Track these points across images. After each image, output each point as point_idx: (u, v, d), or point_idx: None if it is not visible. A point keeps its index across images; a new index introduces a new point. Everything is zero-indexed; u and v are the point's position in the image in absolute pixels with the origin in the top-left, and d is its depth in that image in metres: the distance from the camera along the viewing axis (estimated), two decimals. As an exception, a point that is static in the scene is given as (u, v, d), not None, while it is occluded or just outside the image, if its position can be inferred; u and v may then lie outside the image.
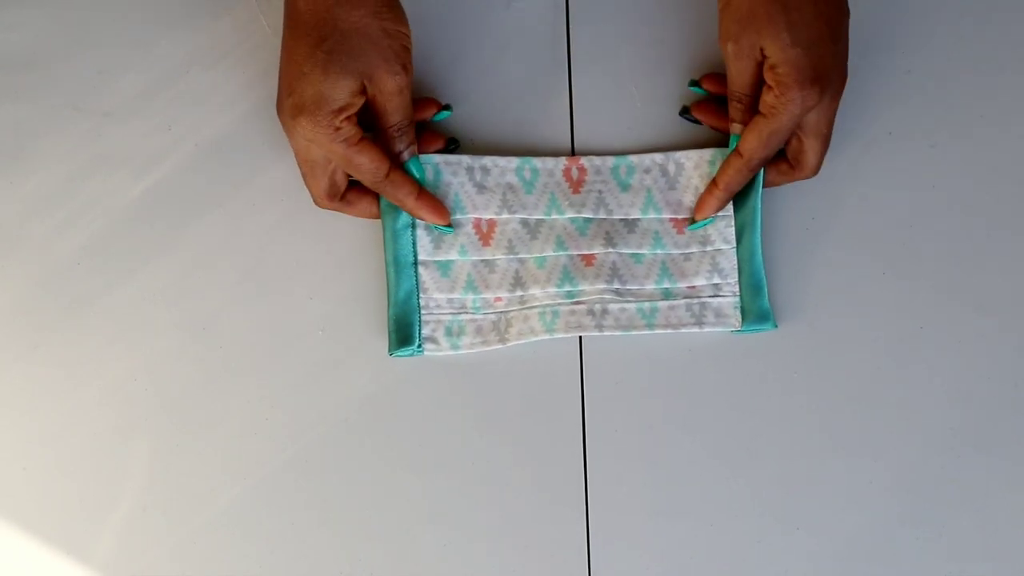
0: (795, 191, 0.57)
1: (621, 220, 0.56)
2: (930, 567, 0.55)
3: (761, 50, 0.50)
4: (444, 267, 0.56)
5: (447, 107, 0.57)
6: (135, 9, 0.59)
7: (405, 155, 0.54)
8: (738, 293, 0.56)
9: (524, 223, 0.56)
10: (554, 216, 0.56)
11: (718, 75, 0.56)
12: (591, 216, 0.56)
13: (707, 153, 0.56)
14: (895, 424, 0.56)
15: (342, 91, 0.49)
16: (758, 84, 0.52)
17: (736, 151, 0.53)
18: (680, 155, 0.56)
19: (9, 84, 0.58)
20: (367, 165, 0.52)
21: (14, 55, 0.58)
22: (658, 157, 0.56)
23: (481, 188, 0.56)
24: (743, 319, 0.56)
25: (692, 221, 0.56)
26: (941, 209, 0.57)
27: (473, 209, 0.56)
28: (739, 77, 0.52)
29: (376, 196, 0.55)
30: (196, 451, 0.56)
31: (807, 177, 0.55)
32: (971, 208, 0.57)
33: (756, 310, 0.56)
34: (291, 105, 0.50)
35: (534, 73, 0.58)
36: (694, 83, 0.57)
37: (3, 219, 0.58)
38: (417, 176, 0.54)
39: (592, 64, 0.58)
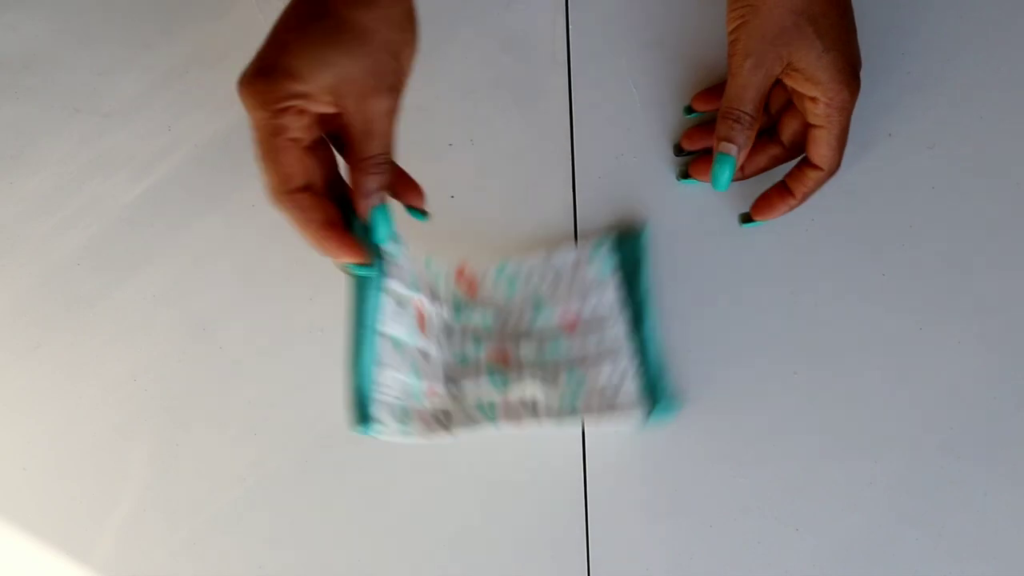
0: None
1: (517, 324, 0.56)
2: (930, 567, 0.55)
3: (789, 64, 0.50)
4: (397, 344, 0.50)
5: (425, 213, 0.51)
6: (135, 9, 0.59)
7: (374, 199, 0.44)
8: (642, 380, 0.54)
9: (443, 320, 0.54)
10: (462, 319, 0.55)
11: (710, 91, 0.56)
12: (491, 321, 0.55)
13: (584, 249, 0.55)
14: (895, 424, 0.56)
15: (313, 78, 0.42)
16: (763, 105, 0.52)
17: (814, 166, 0.53)
18: (557, 258, 0.56)
19: (9, 84, 0.58)
20: (273, 168, 0.43)
21: (14, 55, 0.59)
22: (537, 261, 0.56)
23: (416, 275, 0.51)
24: (652, 405, 0.53)
25: (747, 219, 0.55)
26: (941, 209, 0.57)
27: (416, 290, 0.51)
28: (748, 93, 0.51)
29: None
30: (196, 451, 0.56)
31: (824, 179, 0.54)
32: (971, 208, 0.57)
33: (659, 396, 0.53)
34: (252, 67, 0.42)
35: (534, 73, 0.59)
36: (689, 110, 0.57)
37: (3, 219, 0.58)
38: (384, 232, 0.45)
39: (592, 64, 0.58)
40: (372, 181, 0.44)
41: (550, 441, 0.57)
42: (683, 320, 0.57)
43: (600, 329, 0.55)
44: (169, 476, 0.56)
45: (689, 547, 0.56)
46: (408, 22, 0.44)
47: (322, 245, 0.45)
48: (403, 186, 0.50)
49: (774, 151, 0.55)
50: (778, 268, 0.57)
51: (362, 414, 0.47)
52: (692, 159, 0.57)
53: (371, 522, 0.56)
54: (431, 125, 0.58)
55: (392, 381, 0.49)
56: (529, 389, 0.53)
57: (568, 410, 0.53)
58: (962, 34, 0.58)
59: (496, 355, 0.55)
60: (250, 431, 0.57)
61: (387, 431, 0.49)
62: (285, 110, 0.42)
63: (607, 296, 0.55)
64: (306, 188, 0.44)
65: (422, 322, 0.51)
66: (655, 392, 0.54)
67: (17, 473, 0.56)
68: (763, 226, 0.57)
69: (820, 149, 0.52)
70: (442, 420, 0.52)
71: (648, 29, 0.59)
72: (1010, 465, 0.56)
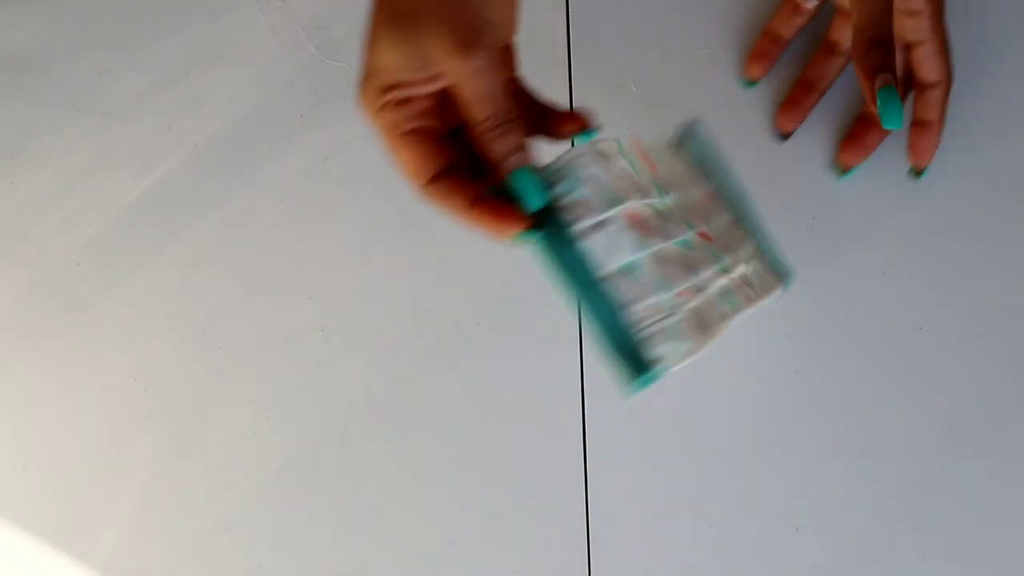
0: (795, 192, 0.57)
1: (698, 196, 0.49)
2: (930, 567, 0.55)
3: None
4: (630, 270, 0.45)
5: (593, 129, 0.44)
6: (135, 9, 0.59)
7: (511, 161, 0.41)
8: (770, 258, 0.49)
9: (651, 207, 0.47)
10: (667, 199, 0.48)
11: (758, 55, 0.54)
12: (687, 195, 0.49)
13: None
14: (895, 424, 0.56)
15: (389, 61, 0.40)
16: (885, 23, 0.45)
17: (927, 84, 0.52)
18: None
19: (9, 84, 0.58)
20: (403, 165, 0.42)
21: (14, 55, 0.59)
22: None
23: (618, 176, 0.45)
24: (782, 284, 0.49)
25: (916, 172, 0.54)
26: (940, 209, 0.57)
27: (617, 203, 0.45)
28: (883, 15, 0.43)
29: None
30: (196, 451, 0.56)
31: (947, 91, 0.52)
32: (971, 208, 0.57)
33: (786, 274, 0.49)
34: (360, 74, 0.41)
35: (534, 73, 0.58)
36: (749, 83, 0.55)
37: (3, 219, 0.58)
38: (531, 195, 0.41)
39: (592, 64, 0.58)
40: (497, 145, 0.41)
41: (552, 440, 0.57)
42: (683, 320, 0.57)
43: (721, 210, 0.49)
44: (169, 476, 0.56)
45: (689, 547, 0.56)
46: None
47: (478, 228, 0.42)
48: (555, 122, 0.45)
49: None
50: (778, 268, 0.57)
51: (637, 367, 0.43)
52: (842, 147, 0.54)
53: (371, 522, 0.56)
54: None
55: (646, 311, 0.44)
56: (742, 266, 0.48)
57: (777, 286, 0.48)
58: (962, 34, 0.58)
59: (700, 234, 0.48)
60: (250, 431, 0.57)
61: (672, 359, 0.45)
62: (384, 107, 0.41)
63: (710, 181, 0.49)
64: (442, 174, 0.42)
65: (642, 225, 0.45)
66: (782, 266, 0.49)
67: (17, 473, 0.56)
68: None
69: (930, 64, 0.51)
70: (702, 324, 0.47)
71: (648, 29, 0.59)
72: (1010, 465, 0.56)
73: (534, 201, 0.41)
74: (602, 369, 0.57)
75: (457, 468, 0.56)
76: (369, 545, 0.56)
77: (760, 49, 0.56)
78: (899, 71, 0.52)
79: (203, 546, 0.56)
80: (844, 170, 0.55)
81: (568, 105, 0.58)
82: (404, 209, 0.57)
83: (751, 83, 0.56)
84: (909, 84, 0.54)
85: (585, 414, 0.57)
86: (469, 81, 0.40)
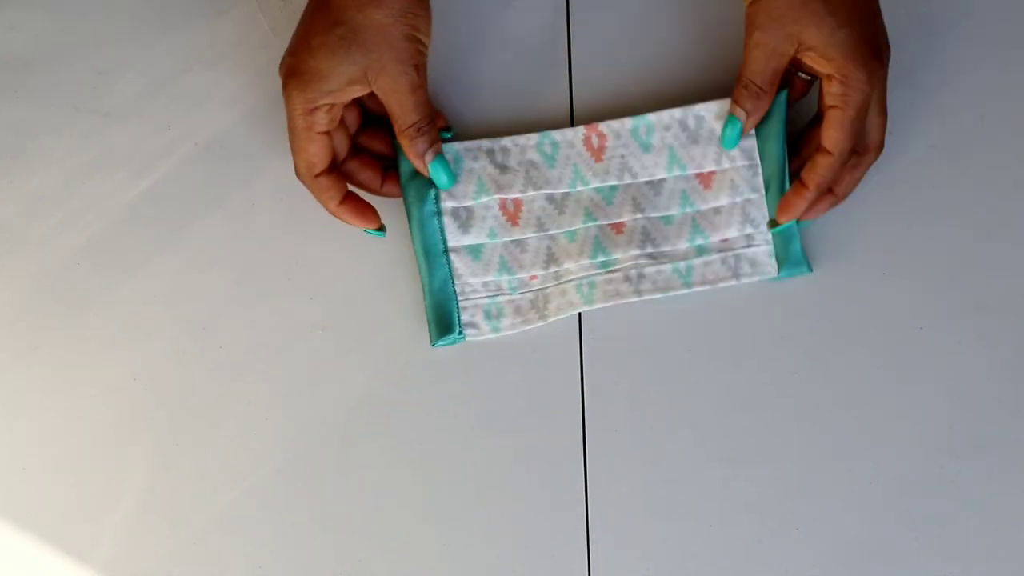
0: (795, 191, 0.57)
1: (647, 183, 0.56)
2: (930, 567, 0.55)
3: (800, 43, 0.49)
4: (475, 251, 0.56)
5: (449, 128, 0.56)
6: (135, 9, 0.59)
7: (428, 156, 0.53)
8: (771, 241, 0.55)
9: (550, 198, 0.56)
10: (579, 188, 0.56)
11: (787, 200, 0.53)
12: (616, 183, 0.56)
13: (727, 103, 0.54)
14: (895, 424, 0.56)
15: (339, 77, 0.49)
16: (777, 79, 0.51)
17: (823, 149, 0.51)
18: (700, 108, 0.55)
19: (9, 84, 0.58)
20: (307, 156, 0.51)
21: (14, 55, 0.58)
22: (677, 113, 0.55)
23: (503, 168, 0.55)
24: (779, 266, 0.55)
25: (773, 224, 0.54)
26: (941, 209, 0.57)
27: (498, 190, 0.55)
28: (756, 65, 0.51)
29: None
30: (196, 451, 0.56)
31: (875, 158, 0.53)
32: (971, 208, 0.57)
33: (791, 255, 0.55)
34: (288, 64, 0.50)
35: (534, 73, 0.58)
36: (773, 224, 0.55)
37: (3, 219, 0.58)
38: (444, 176, 0.53)
39: (592, 64, 0.58)
40: (420, 143, 0.52)
41: (552, 441, 0.57)
42: (683, 322, 0.57)
43: (735, 186, 0.55)
44: (169, 476, 0.56)
45: (689, 547, 0.56)
46: (421, 12, 0.50)
47: (339, 217, 0.53)
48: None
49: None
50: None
51: (442, 327, 0.55)
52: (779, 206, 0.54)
53: (371, 522, 0.56)
54: (431, 125, 0.58)
55: (478, 286, 0.56)
56: (636, 264, 0.55)
57: (680, 283, 0.55)
58: (962, 34, 0.58)
59: (609, 226, 0.56)
60: (250, 431, 0.57)
61: (479, 332, 0.56)
62: (316, 108, 0.50)
63: (746, 152, 0.55)
64: (326, 171, 0.52)
65: (514, 214, 0.56)
66: (786, 255, 0.55)
67: (17, 473, 0.56)
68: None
69: (830, 131, 0.50)
70: (539, 306, 0.56)
71: (648, 29, 0.59)
72: (1010, 465, 0.56)
73: (448, 183, 0.54)
74: (602, 368, 0.57)
75: (457, 468, 0.56)
76: (369, 545, 0.56)
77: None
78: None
79: (203, 546, 0.56)
80: (773, 225, 0.54)
81: (569, 104, 0.58)
82: (404, 209, 0.57)
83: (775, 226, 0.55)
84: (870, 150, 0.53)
85: (585, 414, 0.57)
86: (403, 96, 0.50)
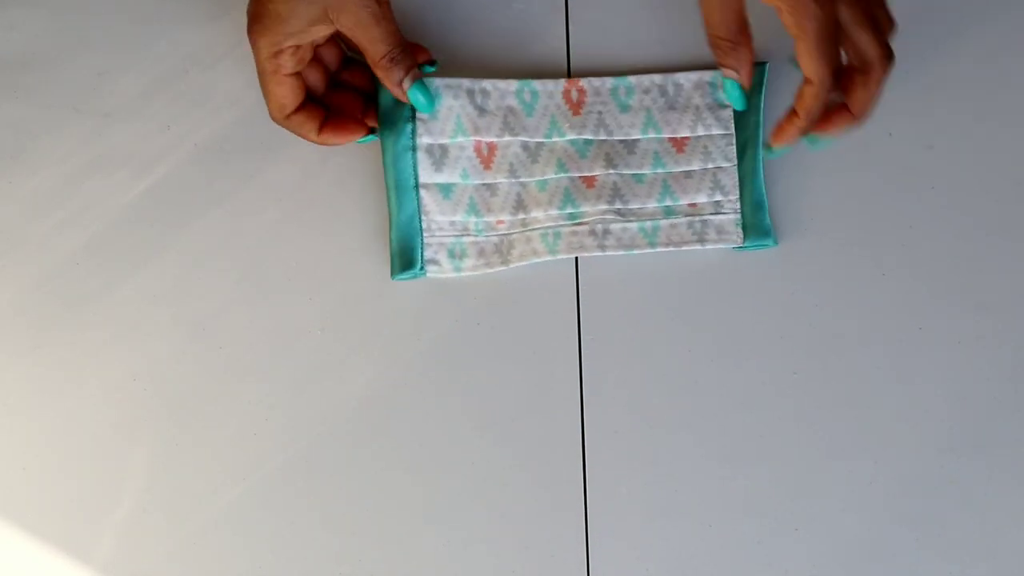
0: (795, 192, 0.57)
1: (621, 141, 0.57)
2: (930, 567, 0.55)
3: None
4: (445, 190, 0.56)
5: (434, 62, 0.55)
6: (135, 9, 0.59)
7: (406, 83, 0.52)
8: (739, 210, 0.56)
9: (525, 146, 0.57)
10: (555, 139, 0.57)
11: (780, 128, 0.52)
12: (591, 138, 0.57)
13: (707, 74, 0.56)
14: (895, 424, 0.56)
15: (300, 18, 0.49)
16: (743, 25, 0.50)
17: (805, 80, 0.49)
18: (680, 76, 0.57)
19: (9, 84, 0.58)
20: (277, 98, 0.51)
21: (14, 55, 0.59)
22: (657, 78, 0.57)
23: (482, 111, 0.56)
24: (745, 235, 0.56)
25: (768, 148, 0.53)
26: (940, 209, 0.57)
27: (475, 132, 0.56)
28: (713, 18, 0.49)
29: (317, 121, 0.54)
30: (196, 451, 0.56)
31: (882, 76, 0.51)
32: (970, 208, 0.57)
33: (758, 226, 0.56)
34: (251, 9, 0.50)
35: (534, 73, 0.58)
36: (769, 150, 0.53)
37: (3, 219, 0.58)
38: (424, 100, 0.53)
39: (592, 64, 0.58)
40: (396, 72, 0.52)
41: (551, 440, 0.57)
42: (683, 321, 0.57)
43: (707, 153, 0.56)
44: (169, 476, 0.56)
45: (689, 547, 0.56)
46: None
47: (325, 144, 0.54)
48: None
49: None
50: (777, 267, 0.57)
51: (404, 261, 0.56)
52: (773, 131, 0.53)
53: (371, 522, 0.56)
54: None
55: (445, 224, 0.56)
56: (603, 219, 0.56)
57: (645, 243, 0.56)
58: (963, 34, 0.58)
59: (580, 179, 0.56)
60: (250, 431, 0.57)
61: (440, 270, 0.56)
62: (281, 51, 0.50)
63: (722, 122, 0.56)
64: (299, 109, 0.52)
65: (488, 158, 0.56)
66: (753, 225, 0.56)
67: (17, 473, 0.56)
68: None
69: (802, 60, 0.49)
70: (503, 251, 0.56)
71: (648, 28, 0.59)
72: (1010, 465, 0.56)
73: (428, 107, 0.54)
74: (602, 368, 0.57)
75: (456, 468, 0.56)
76: (369, 544, 0.56)
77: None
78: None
79: (203, 546, 0.56)
80: (767, 148, 0.53)
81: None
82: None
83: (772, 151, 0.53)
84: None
85: (584, 414, 0.57)
86: (369, 29, 0.50)
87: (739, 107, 0.55)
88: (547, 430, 0.57)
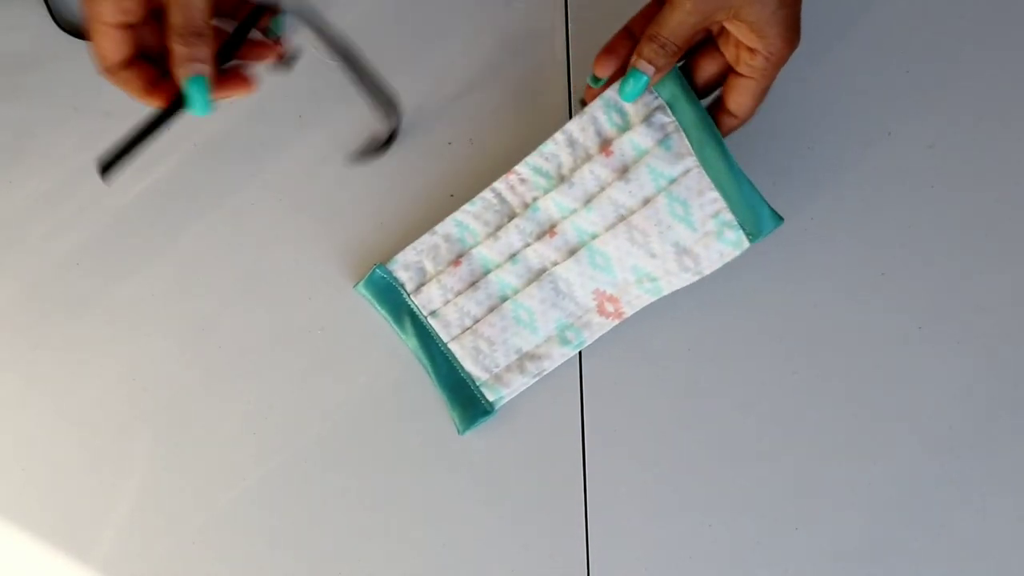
0: (795, 192, 0.57)
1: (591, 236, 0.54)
2: (930, 567, 0.55)
3: (735, 14, 0.48)
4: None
5: (278, 12, 0.49)
6: (135, 9, 0.59)
7: (188, 68, 0.45)
8: (733, 222, 0.52)
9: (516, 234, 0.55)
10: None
11: (607, 54, 0.52)
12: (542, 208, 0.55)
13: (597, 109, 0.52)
14: (895, 424, 0.56)
15: None
16: (691, 43, 0.50)
17: (728, 112, 0.51)
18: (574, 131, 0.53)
19: (9, 84, 0.58)
20: (96, 50, 0.46)
21: (14, 55, 0.59)
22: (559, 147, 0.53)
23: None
24: (748, 235, 0.52)
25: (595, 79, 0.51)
26: (940, 209, 0.57)
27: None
28: (679, 25, 0.48)
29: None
30: (196, 451, 0.56)
31: (744, 123, 0.52)
32: (970, 208, 0.57)
33: (762, 221, 0.52)
34: None
35: (534, 73, 0.58)
36: (596, 80, 0.52)
37: (3, 219, 0.58)
38: (199, 101, 0.46)
39: (592, 64, 0.58)
40: (180, 51, 0.45)
41: (551, 440, 0.57)
42: (683, 321, 0.57)
43: (664, 165, 0.52)
44: (169, 476, 0.56)
45: (689, 547, 0.56)
46: None
47: (148, 103, 0.48)
48: (251, 50, 0.51)
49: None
50: (777, 267, 0.57)
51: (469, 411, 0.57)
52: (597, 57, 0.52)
53: (371, 522, 0.56)
54: (431, 124, 0.58)
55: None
56: (604, 322, 0.55)
57: (652, 298, 0.54)
58: (962, 34, 0.58)
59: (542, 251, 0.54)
60: (250, 431, 0.57)
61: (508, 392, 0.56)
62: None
63: (654, 130, 0.52)
64: (130, 63, 0.47)
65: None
66: (755, 217, 0.52)
67: (17, 473, 0.56)
68: None
69: (742, 98, 0.50)
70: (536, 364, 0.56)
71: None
72: (1010, 465, 0.56)
73: (200, 109, 0.47)
74: (602, 368, 0.57)
75: (456, 467, 0.56)
76: (368, 544, 0.56)
77: (612, 45, 0.52)
78: (703, 80, 0.52)
79: (203, 545, 0.56)
80: (596, 79, 0.52)
81: (568, 104, 0.58)
82: (403, 208, 0.57)
83: (598, 80, 0.52)
84: (706, 94, 0.53)
85: (584, 414, 0.57)
86: None
87: (630, 99, 0.51)
88: (547, 430, 0.57)
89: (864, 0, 0.57)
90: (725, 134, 0.52)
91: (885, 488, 0.56)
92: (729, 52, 0.51)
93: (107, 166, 0.48)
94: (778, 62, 0.50)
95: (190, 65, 0.46)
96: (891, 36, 0.58)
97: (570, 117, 0.58)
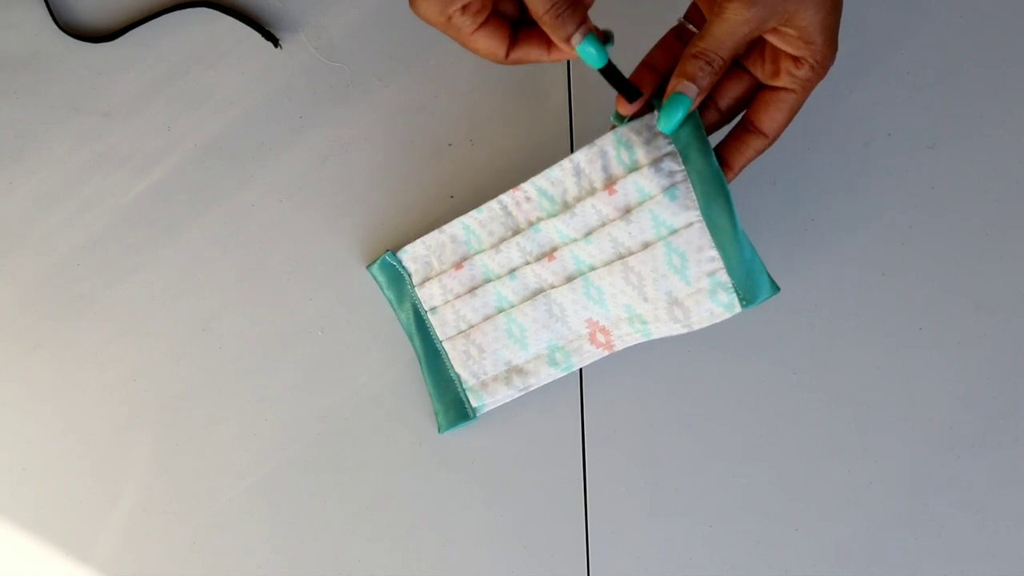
0: (795, 193, 0.57)
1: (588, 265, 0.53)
2: (930, 567, 0.55)
3: (787, 21, 0.45)
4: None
5: (609, 38, 0.48)
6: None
7: (577, 38, 0.45)
8: (729, 284, 0.49)
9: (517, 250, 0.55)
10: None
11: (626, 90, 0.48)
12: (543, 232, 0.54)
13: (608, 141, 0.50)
14: (895, 424, 0.56)
15: None
16: (736, 56, 0.47)
17: (758, 132, 0.48)
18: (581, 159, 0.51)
19: (9, 84, 0.58)
20: (481, 55, 0.47)
21: (14, 55, 0.59)
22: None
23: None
24: (742, 300, 0.49)
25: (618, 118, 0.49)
26: (940, 209, 0.57)
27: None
28: (730, 40, 0.45)
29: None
30: (196, 451, 0.56)
31: (771, 144, 0.49)
32: (970, 208, 0.57)
33: (758, 287, 0.49)
34: None
35: (534, 73, 0.58)
36: (620, 117, 0.50)
37: (3, 219, 0.58)
38: (596, 53, 0.46)
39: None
40: (565, 27, 0.45)
41: (551, 440, 0.57)
42: (683, 320, 0.57)
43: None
44: (169, 476, 0.56)
45: (689, 547, 0.56)
46: None
47: (553, 61, 0.48)
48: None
49: (710, 118, 0.49)
50: (777, 267, 0.57)
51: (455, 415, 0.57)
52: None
53: (371, 522, 0.56)
54: (431, 125, 0.58)
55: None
56: (594, 351, 0.54)
57: (642, 338, 0.52)
58: (962, 34, 0.58)
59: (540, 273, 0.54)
60: (250, 431, 0.57)
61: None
62: (451, 18, 0.45)
63: (660, 176, 0.49)
64: (512, 44, 0.47)
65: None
66: (752, 284, 0.49)
67: (17, 473, 0.56)
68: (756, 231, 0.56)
69: (779, 114, 0.47)
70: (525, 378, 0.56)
71: (649, 30, 0.59)
72: (1010, 465, 0.56)
73: (600, 61, 0.46)
74: (602, 369, 0.57)
75: (456, 467, 0.56)
76: (368, 544, 0.56)
77: (634, 81, 0.49)
78: (727, 104, 0.49)
79: (202, 546, 0.56)
80: (620, 117, 0.50)
81: (568, 104, 0.58)
82: (403, 209, 0.57)
83: (623, 119, 0.49)
84: (730, 118, 0.50)
85: (584, 414, 0.57)
86: None
87: (669, 130, 0.47)
88: (547, 430, 0.57)
89: (864, 0, 0.57)
90: (753, 157, 0.48)
91: (885, 488, 0.56)
92: (762, 67, 0.48)
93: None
94: (822, 72, 0.46)
95: (574, 37, 0.46)
96: (891, 36, 0.58)
97: (570, 117, 0.58)
